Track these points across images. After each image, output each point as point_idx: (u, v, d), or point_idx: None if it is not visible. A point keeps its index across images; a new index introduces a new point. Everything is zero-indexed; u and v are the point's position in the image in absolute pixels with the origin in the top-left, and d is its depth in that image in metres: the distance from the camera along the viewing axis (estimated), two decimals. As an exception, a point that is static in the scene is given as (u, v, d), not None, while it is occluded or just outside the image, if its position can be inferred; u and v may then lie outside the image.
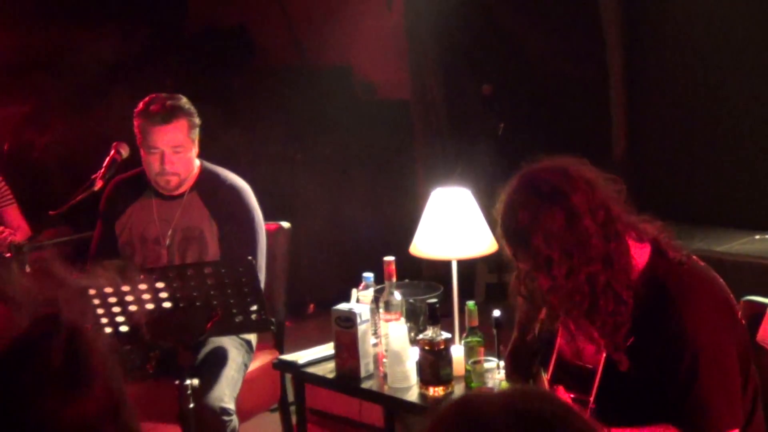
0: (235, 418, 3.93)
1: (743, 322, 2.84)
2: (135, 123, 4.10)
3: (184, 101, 4.16)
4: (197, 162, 4.27)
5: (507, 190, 2.74)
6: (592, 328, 2.69)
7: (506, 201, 2.73)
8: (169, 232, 4.20)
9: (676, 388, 2.63)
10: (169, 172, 4.11)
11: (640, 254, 2.72)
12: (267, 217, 4.59)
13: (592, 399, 2.77)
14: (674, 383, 2.63)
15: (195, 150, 4.19)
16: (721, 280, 2.78)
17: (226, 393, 3.93)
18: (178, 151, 4.09)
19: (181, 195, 4.23)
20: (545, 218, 2.62)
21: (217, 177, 4.28)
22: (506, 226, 2.73)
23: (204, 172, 4.27)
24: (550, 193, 2.64)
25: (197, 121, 4.16)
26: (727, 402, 2.64)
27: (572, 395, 2.81)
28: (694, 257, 2.79)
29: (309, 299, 6.95)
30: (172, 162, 4.09)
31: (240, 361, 4.15)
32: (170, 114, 4.06)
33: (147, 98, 4.14)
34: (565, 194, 2.63)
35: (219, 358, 4.05)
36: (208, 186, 4.24)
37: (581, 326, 2.72)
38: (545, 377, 2.92)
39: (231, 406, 3.92)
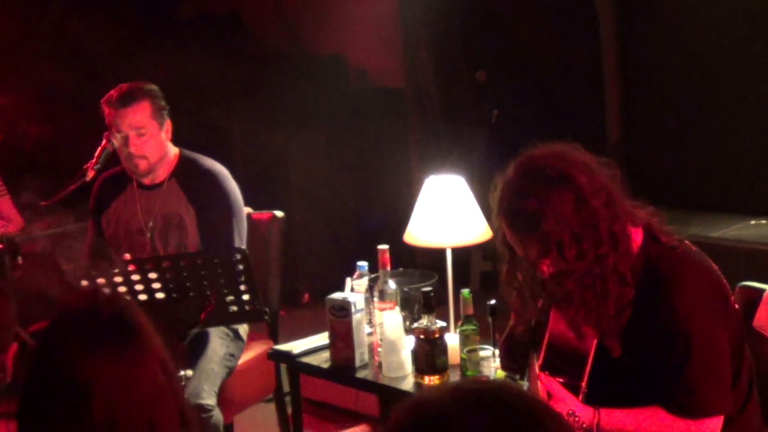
0: (216, 412, 3.89)
1: (737, 307, 2.84)
2: (104, 113, 4.10)
3: (149, 85, 4.15)
4: (175, 150, 4.25)
5: (507, 179, 2.73)
6: (596, 308, 2.67)
7: (510, 188, 2.71)
8: (151, 222, 4.18)
9: (666, 372, 2.64)
10: (135, 155, 4.08)
11: (633, 238, 2.72)
12: (261, 205, 4.58)
13: (584, 384, 2.77)
14: (665, 367, 2.64)
15: (165, 134, 4.16)
16: (714, 264, 2.78)
17: (204, 388, 3.89)
18: (141, 133, 4.06)
19: (161, 183, 4.22)
20: (554, 203, 2.61)
21: (194, 162, 4.26)
22: (512, 214, 2.71)
23: (182, 159, 4.26)
24: (556, 177, 2.63)
25: (162, 103, 4.14)
26: (716, 386, 2.65)
27: (564, 379, 2.82)
28: (687, 242, 2.79)
29: (304, 288, 6.94)
30: (137, 144, 4.07)
31: (223, 353, 4.11)
32: (130, 96, 4.05)
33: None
34: (570, 177, 2.63)
35: (198, 351, 4.01)
36: (185, 172, 4.22)
37: (589, 308, 2.70)
38: (536, 362, 2.92)
39: (210, 401, 3.88)
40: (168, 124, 4.17)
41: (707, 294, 2.69)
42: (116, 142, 4.04)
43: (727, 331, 2.70)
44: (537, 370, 2.90)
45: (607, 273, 2.64)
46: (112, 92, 4.09)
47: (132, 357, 1.83)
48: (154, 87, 4.16)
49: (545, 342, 2.93)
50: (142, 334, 1.88)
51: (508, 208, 2.71)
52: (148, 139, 4.09)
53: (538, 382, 2.88)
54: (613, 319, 2.67)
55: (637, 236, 2.73)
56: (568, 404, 2.73)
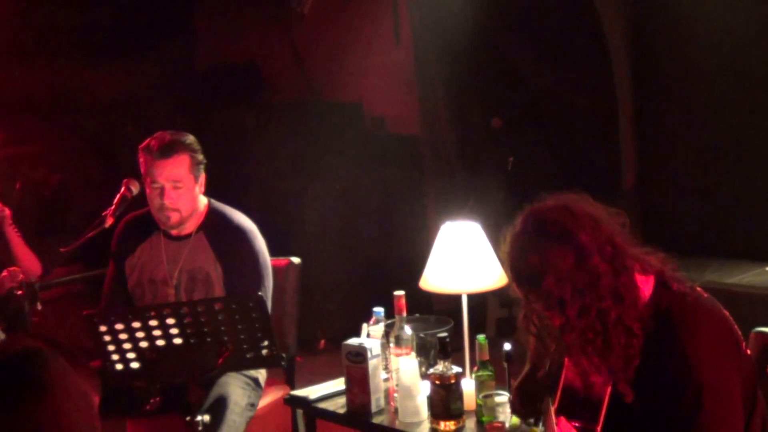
0: None
1: (749, 352, 2.84)
2: (140, 159, 4.11)
3: (189, 138, 4.15)
4: (204, 201, 4.26)
5: (513, 233, 2.74)
6: (600, 361, 2.68)
7: (514, 244, 2.73)
8: (176, 273, 4.20)
9: (679, 421, 2.62)
10: (169, 207, 4.09)
11: (644, 286, 2.72)
12: (277, 252, 4.59)
13: (599, 429, 2.76)
14: (677, 416, 2.62)
15: (199, 188, 4.17)
16: (725, 311, 2.77)
17: None
18: (178, 186, 4.07)
19: (189, 235, 4.22)
20: (555, 259, 2.62)
21: (223, 217, 4.26)
22: (516, 270, 2.73)
23: (211, 212, 4.26)
24: (557, 233, 2.64)
25: (201, 158, 4.15)
26: None
27: (579, 424, 2.82)
28: (698, 288, 2.79)
29: (320, 334, 6.95)
30: (172, 198, 4.07)
31: (244, 403, 4.09)
32: (170, 148, 4.05)
33: (154, 135, 4.15)
34: (572, 233, 2.64)
35: (221, 402, 3.99)
36: (214, 227, 4.22)
37: (591, 361, 2.71)
38: (552, 407, 2.92)
39: None
40: (203, 178, 4.18)
41: (719, 342, 2.68)
42: (135, 189, 4.07)
43: (740, 377, 2.69)
44: (553, 414, 2.90)
45: (609, 327, 2.63)
46: (151, 141, 4.08)
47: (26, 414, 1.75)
48: (193, 140, 4.16)
49: (561, 386, 2.93)
50: (42, 394, 1.79)
51: (512, 264, 2.75)
52: (184, 192, 4.09)
53: (555, 428, 2.88)
54: (620, 370, 2.67)
55: (648, 284, 2.72)
56: None
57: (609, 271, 2.63)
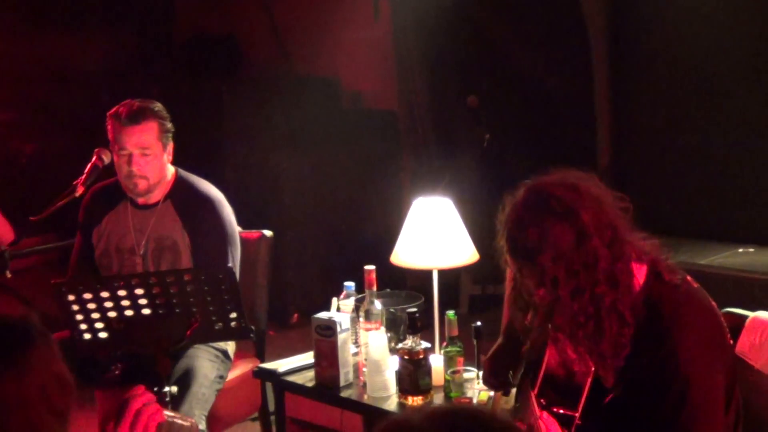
0: None
1: (731, 342, 2.83)
2: (108, 126, 4.09)
3: (157, 105, 4.14)
4: (172, 169, 4.25)
5: (515, 204, 2.68)
6: (588, 347, 2.66)
7: (514, 215, 2.66)
8: (144, 242, 4.19)
9: (662, 414, 2.60)
10: (137, 174, 4.08)
11: (637, 275, 2.67)
12: (251, 225, 4.59)
13: (578, 415, 2.74)
14: (660, 408, 2.60)
15: (167, 156, 4.17)
16: (713, 302, 2.75)
17: (194, 413, 3.88)
18: (146, 153, 4.06)
19: (156, 204, 4.21)
20: (555, 237, 2.57)
21: (191, 186, 4.25)
22: (513, 241, 2.66)
23: (178, 181, 4.25)
24: (560, 210, 2.58)
25: (169, 125, 4.14)
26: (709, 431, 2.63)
27: (559, 410, 2.80)
28: (689, 278, 2.76)
29: (293, 308, 6.95)
30: (140, 164, 4.06)
31: (213, 376, 4.09)
32: (139, 115, 4.04)
33: (122, 102, 4.13)
34: (575, 212, 2.57)
35: (189, 373, 3.99)
36: (181, 195, 4.21)
37: (580, 345, 2.68)
38: (532, 392, 2.90)
39: (200, 425, 3.87)
40: (171, 146, 4.17)
41: (708, 338, 2.65)
42: (106, 158, 4.05)
43: (725, 374, 2.68)
44: (534, 400, 2.88)
45: (602, 313, 2.58)
46: (120, 108, 4.07)
47: (53, 362, 1.76)
48: (161, 108, 4.15)
49: (542, 371, 2.92)
50: (53, 343, 1.79)
51: (509, 234, 2.67)
52: (152, 159, 4.08)
53: (538, 414, 2.86)
54: (609, 357, 2.63)
55: (641, 273, 2.67)
56: None
57: (607, 255, 2.58)
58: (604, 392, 2.70)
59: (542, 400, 2.83)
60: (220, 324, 3.44)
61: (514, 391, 3.12)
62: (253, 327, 3.66)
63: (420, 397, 3.53)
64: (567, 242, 2.56)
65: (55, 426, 1.76)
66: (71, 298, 3.35)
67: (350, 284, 3.92)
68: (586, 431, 2.72)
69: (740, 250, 5.33)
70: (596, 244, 2.57)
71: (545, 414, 2.80)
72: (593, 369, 2.70)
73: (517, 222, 2.64)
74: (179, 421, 2.31)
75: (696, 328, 2.63)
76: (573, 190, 2.62)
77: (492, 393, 3.36)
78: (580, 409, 2.74)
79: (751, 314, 3.14)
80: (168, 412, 2.30)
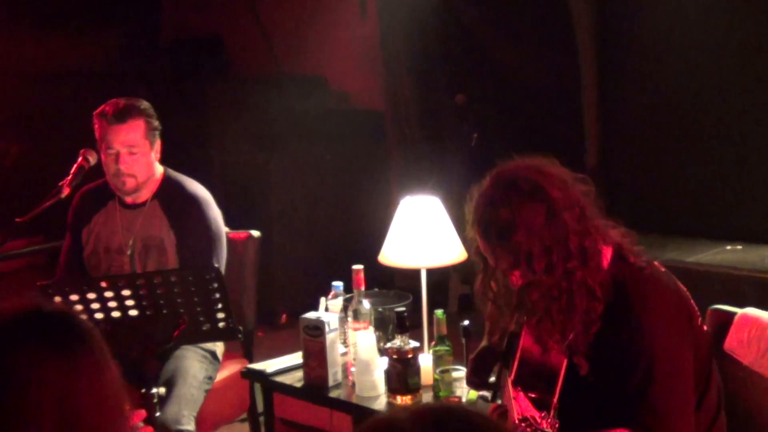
0: None
1: (705, 328, 2.86)
2: (95, 126, 4.08)
3: (144, 103, 4.13)
4: (160, 169, 4.24)
5: (482, 189, 2.75)
6: (562, 322, 2.68)
7: (484, 199, 2.73)
8: (131, 241, 4.17)
9: (630, 392, 2.65)
10: (125, 173, 4.06)
11: (604, 255, 2.74)
12: (239, 225, 4.58)
13: (555, 399, 2.77)
14: (628, 387, 2.65)
15: (155, 154, 4.16)
16: (682, 285, 2.80)
17: (183, 414, 3.87)
18: (133, 152, 4.05)
19: (143, 203, 4.20)
20: (526, 214, 2.63)
21: (178, 185, 4.24)
22: (485, 224, 2.72)
23: (166, 180, 4.24)
24: (529, 189, 2.65)
25: (156, 123, 4.13)
26: (680, 408, 2.66)
27: (536, 395, 2.82)
28: (656, 263, 2.80)
29: (281, 309, 6.93)
30: (128, 163, 4.05)
31: (202, 377, 4.08)
32: (125, 113, 4.03)
33: (108, 101, 4.12)
34: (544, 189, 2.65)
35: (178, 375, 3.99)
36: (169, 195, 4.20)
37: (554, 321, 2.70)
38: (509, 378, 2.92)
39: (189, 426, 3.86)
40: (158, 144, 4.16)
41: (673, 315, 2.70)
42: (92, 159, 4.04)
43: (693, 352, 2.71)
44: (510, 386, 2.90)
45: (574, 287, 2.65)
46: (106, 106, 4.06)
47: (86, 367, 1.68)
48: (148, 106, 4.14)
49: (518, 357, 2.94)
50: (95, 346, 1.73)
51: (481, 218, 2.73)
52: (139, 158, 4.07)
53: (513, 401, 2.88)
54: (579, 334, 2.68)
55: (606, 255, 2.74)
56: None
57: (577, 231, 2.66)
58: (579, 376, 2.73)
59: (519, 387, 2.86)
60: (208, 325, 3.44)
61: None
62: (241, 327, 3.66)
63: (409, 397, 3.53)
64: (539, 219, 2.64)
65: None
66: (57, 300, 3.34)
67: (338, 284, 3.91)
68: (564, 414, 2.75)
69: (728, 247, 5.34)
70: (567, 219, 2.65)
71: (521, 395, 2.83)
72: (567, 353, 2.72)
73: (488, 205, 2.71)
74: None
75: (660, 306, 2.69)
76: (538, 172, 2.70)
77: (482, 392, 3.37)
78: (557, 392, 2.77)
79: (739, 311, 3.15)
80: None
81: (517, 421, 2.73)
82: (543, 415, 2.70)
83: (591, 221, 2.71)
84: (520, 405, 2.82)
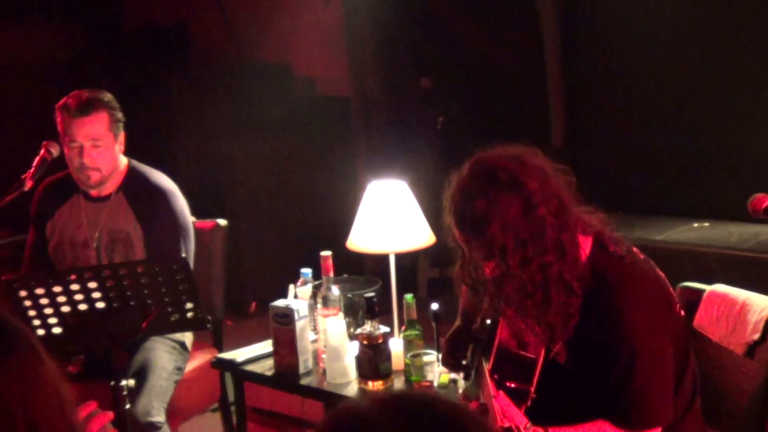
0: (165, 428, 3.86)
1: (682, 313, 2.85)
2: (57, 119, 4.03)
3: (107, 95, 4.08)
4: (124, 160, 4.19)
5: (460, 178, 2.70)
6: (537, 316, 2.67)
7: (461, 189, 2.68)
8: (96, 234, 4.13)
9: (611, 384, 2.64)
10: (89, 166, 4.02)
11: (583, 247, 2.71)
12: (207, 214, 4.55)
13: (533, 389, 2.76)
14: (610, 379, 2.64)
15: (119, 147, 4.10)
16: (661, 272, 2.78)
17: (153, 406, 3.85)
18: (97, 144, 4.00)
19: (108, 196, 4.16)
20: (502, 207, 2.59)
21: (143, 177, 4.19)
22: (461, 214, 2.68)
23: (131, 172, 4.19)
24: (507, 181, 2.61)
25: (119, 116, 4.08)
26: (660, 399, 2.66)
27: (513, 384, 2.81)
28: (635, 249, 2.78)
29: (251, 298, 6.91)
30: (92, 156, 4.00)
31: (171, 368, 4.06)
32: (88, 106, 3.98)
33: (71, 93, 4.07)
34: (522, 182, 2.61)
35: (147, 366, 3.96)
36: (134, 187, 4.16)
37: (528, 316, 2.69)
38: (487, 367, 2.90)
39: (159, 418, 3.84)
40: (122, 136, 4.10)
41: (653, 306, 2.68)
42: (55, 151, 3.99)
43: (672, 340, 2.70)
44: (488, 375, 2.88)
45: (550, 281, 2.62)
46: (69, 99, 4.00)
47: (12, 367, 1.69)
48: (111, 98, 4.08)
49: (495, 346, 2.92)
50: (22, 346, 1.73)
51: (457, 209, 2.69)
52: (103, 150, 4.02)
53: (491, 389, 2.86)
54: (558, 327, 2.66)
55: (586, 245, 2.71)
56: (517, 422, 2.71)
57: (554, 225, 2.62)
58: (557, 366, 2.72)
59: (496, 376, 2.83)
60: (176, 315, 3.41)
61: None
62: (209, 317, 3.63)
63: (380, 382, 3.52)
64: (514, 212, 2.59)
65: None
66: (23, 294, 3.30)
67: (307, 271, 3.89)
68: (541, 404, 2.74)
69: (695, 224, 5.36)
70: (543, 213, 2.60)
71: (501, 393, 2.80)
72: (545, 341, 2.71)
73: (464, 195, 2.67)
74: None
75: (641, 298, 2.66)
76: (518, 162, 2.65)
77: (453, 375, 3.37)
78: (534, 382, 2.76)
79: (708, 288, 3.17)
80: None
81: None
82: (527, 425, 2.68)
83: (569, 213, 2.67)
84: (500, 405, 2.79)
